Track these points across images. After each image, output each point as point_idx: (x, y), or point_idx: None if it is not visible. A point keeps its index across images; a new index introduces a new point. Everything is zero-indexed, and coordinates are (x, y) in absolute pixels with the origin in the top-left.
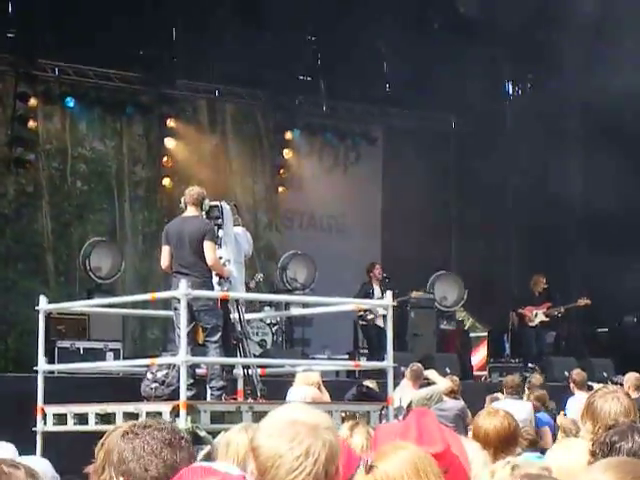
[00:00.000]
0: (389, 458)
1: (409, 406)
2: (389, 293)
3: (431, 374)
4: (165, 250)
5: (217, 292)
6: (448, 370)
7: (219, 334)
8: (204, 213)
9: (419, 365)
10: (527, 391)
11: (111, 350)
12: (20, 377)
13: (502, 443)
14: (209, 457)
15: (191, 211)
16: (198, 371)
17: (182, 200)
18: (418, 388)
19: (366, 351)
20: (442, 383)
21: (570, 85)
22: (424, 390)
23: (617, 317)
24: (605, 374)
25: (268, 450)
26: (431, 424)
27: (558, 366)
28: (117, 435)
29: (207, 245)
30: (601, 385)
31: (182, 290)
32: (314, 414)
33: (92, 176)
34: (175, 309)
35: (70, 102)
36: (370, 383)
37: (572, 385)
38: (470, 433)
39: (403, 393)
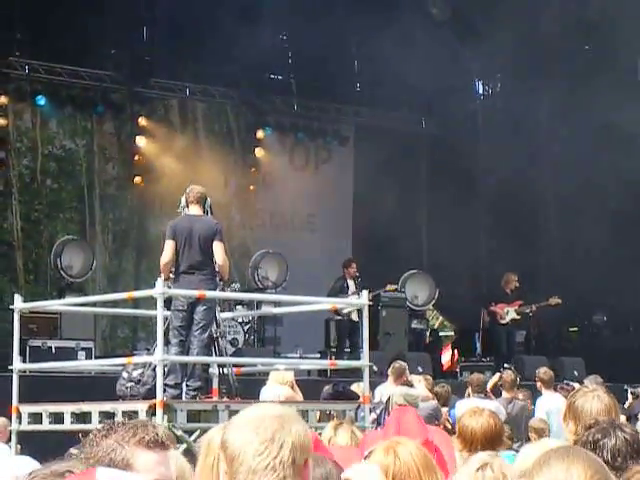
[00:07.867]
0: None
1: (388, 401)
2: (365, 292)
3: (415, 378)
4: (170, 245)
5: (193, 291)
6: (420, 369)
7: (207, 334)
8: (208, 211)
9: (401, 363)
10: (501, 389)
11: (83, 349)
12: None
13: (488, 442)
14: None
15: (195, 210)
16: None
17: (182, 199)
18: (399, 385)
19: (337, 349)
20: (421, 390)
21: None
22: (404, 388)
23: (586, 316)
24: (576, 373)
25: (235, 441)
26: (411, 419)
27: (529, 365)
28: None
29: (218, 245)
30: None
31: (158, 289)
32: (282, 408)
33: (62, 174)
34: (175, 309)
35: (41, 100)
36: (356, 387)
37: (539, 384)
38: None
39: (384, 389)
